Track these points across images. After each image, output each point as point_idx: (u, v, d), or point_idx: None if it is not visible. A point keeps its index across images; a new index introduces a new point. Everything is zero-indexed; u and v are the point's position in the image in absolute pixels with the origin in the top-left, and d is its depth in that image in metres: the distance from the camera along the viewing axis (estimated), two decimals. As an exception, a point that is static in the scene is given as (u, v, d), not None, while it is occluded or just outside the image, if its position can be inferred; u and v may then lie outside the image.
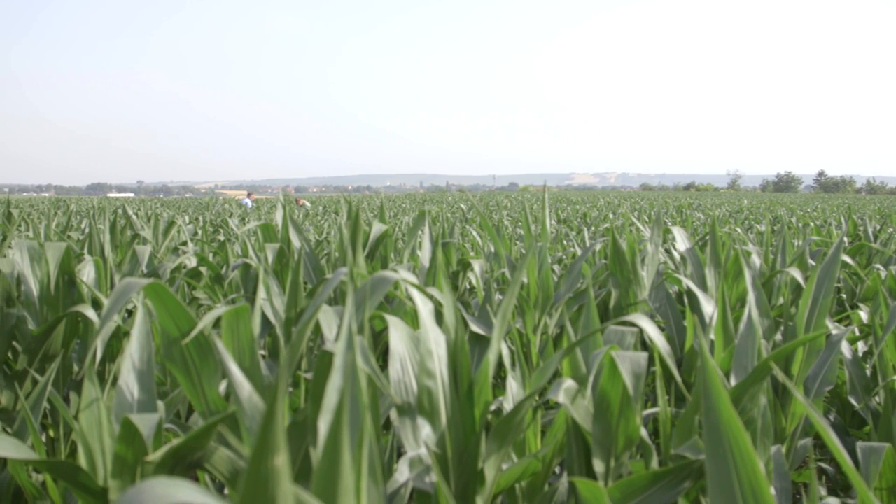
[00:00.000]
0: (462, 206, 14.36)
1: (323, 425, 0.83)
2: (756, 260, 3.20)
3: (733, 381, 1.70)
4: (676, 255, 3.86)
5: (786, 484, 1.75)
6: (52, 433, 2.33)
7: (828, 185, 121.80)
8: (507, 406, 1.76)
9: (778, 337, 2.42)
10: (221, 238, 5.56)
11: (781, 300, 3.03)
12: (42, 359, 2.24)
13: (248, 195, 25.95)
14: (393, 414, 1.95)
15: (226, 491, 1.67)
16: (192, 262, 3.58)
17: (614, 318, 2.64)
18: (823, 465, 2.53)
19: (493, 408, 1.67)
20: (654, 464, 1.57)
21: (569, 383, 1.49)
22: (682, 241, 3.16)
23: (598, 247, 3.15)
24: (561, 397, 1.45)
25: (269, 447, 0.57)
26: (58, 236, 4.24)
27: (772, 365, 1.38)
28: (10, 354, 2.34)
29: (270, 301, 2.28)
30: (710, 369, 0.88)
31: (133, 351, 1.40)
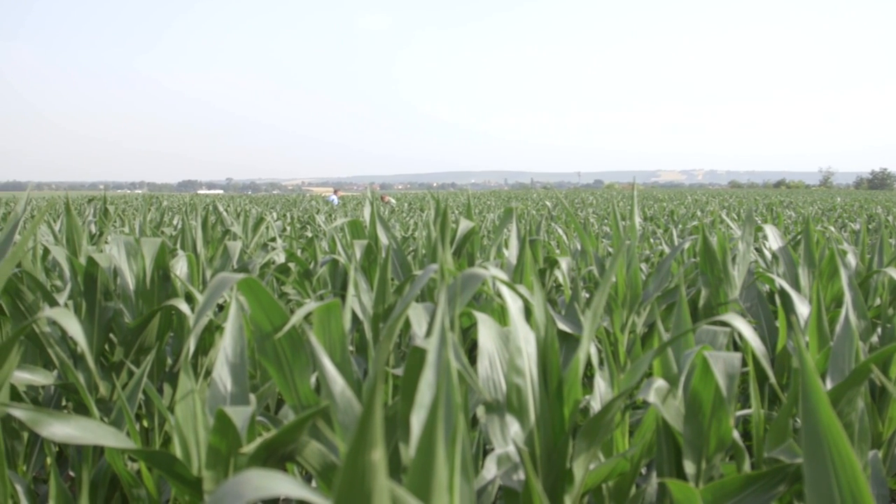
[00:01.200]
0: (547, 203, 14.29)
1: (416, 421, 0.83)
2: (852, 259, 3.11)
3: (829, 384, 1.66)
4: (767, 254, 3.78)
5: (883, 490, 1.70)
6: (146, 423, 2.38)
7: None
8: (595, 405, 1.74)
9: (874, 339, 2.35)
10: (309, 234, 5.64)
11: (878, 301, 2.94)
12: (137, 351, 2.29)
13: (335, 192, 26.24)
14: (480, 411, 1.96)
15: (313, 483, 1.69)
16: (280, 258, 3.64)
17: (703, 317, 2.59)
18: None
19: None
20: (747, 467, 1.54)
21: (660, 383, 1.47)
22: (774, 240, 3.09)
23: (686, 245, 3.10)
24: (652, 397, 1.44)
25: (366, 442, 0.57)
26: (151, 232, 4.35)
27: (872, 367, 1.34)
28: (107, 346, 2.40)
29: (358, 297, 2.30)
30: (809, 371, 0.86)
31: (227, 345, 1.42)
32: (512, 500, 1.33)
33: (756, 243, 4.30)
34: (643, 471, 2.03)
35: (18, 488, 1.85)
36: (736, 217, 11.41)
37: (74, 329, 1.46)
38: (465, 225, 2.92)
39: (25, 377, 1.99)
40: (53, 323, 2.16)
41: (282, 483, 0.70)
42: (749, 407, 2.54)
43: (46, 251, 3.12)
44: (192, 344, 2.28)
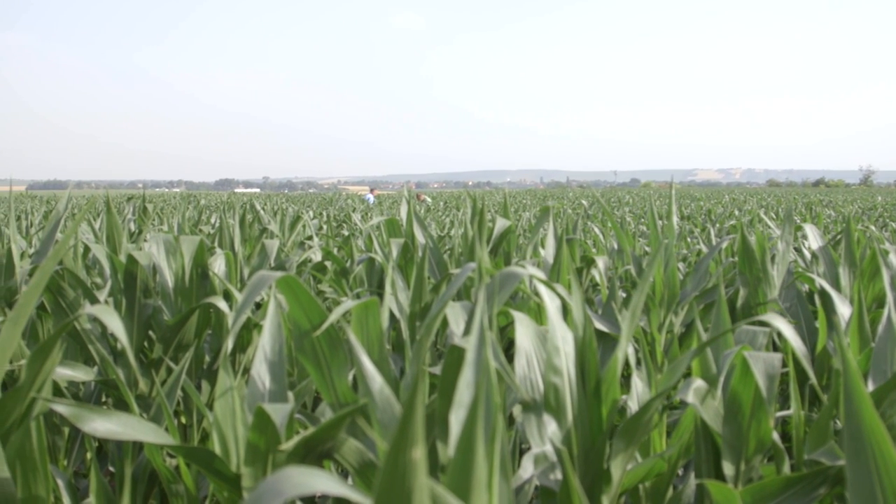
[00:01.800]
0: (583, 202, 14.25)
1: (454, 420, 0.83)
2: (894, 259, 3.07)
3: (871, 386, 1.64)
4: (807, 254, 3.74)
5: (925, 495, 1.67)
6: (184, 420, 2.41)
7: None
8: (632, 405, 1.74)
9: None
10: (345, 233, 5.66)
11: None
12: (176, 348, 2.32)
13: (371, 191, 26.33)
14: (516, 410, 1.95)
15: (349, 481, 1.70)
16: (317, 257, 3.65)
17: (741, 317, 2.57)
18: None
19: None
20: (786, 468, 1.53)
21: (699, 383, 1.46)
22: (814, 239, 3.06)
23: (724, 244, 3.07)
24: (690, 397, 1.43)
25: (407, 440, 0.57)
26: (189, 230, 4.38)
27: (916, 369, 1.33)
28: (146, 343, 2.43)
29: (395, 295, 2.30)
30: (852, 372, 0.85)
31: (265, 342, 1.43)
32: (549, 499, 1.33)
33: (795, 243, 4.26)
34: (680, 472, 2.02)
35: (60, 482, 1.87)
36: (774, 216, 11.31)
37: (116, 326, 1.48)
38: (501, 223, 2.92)
39: (67, 373, 2.02)
40: (94, 320, 2.19)
41: (321, 480, 0.70)
42: (786, 408, 2.51)
43: (87, 249, 3.16)
44: (230, 341, 2.30)
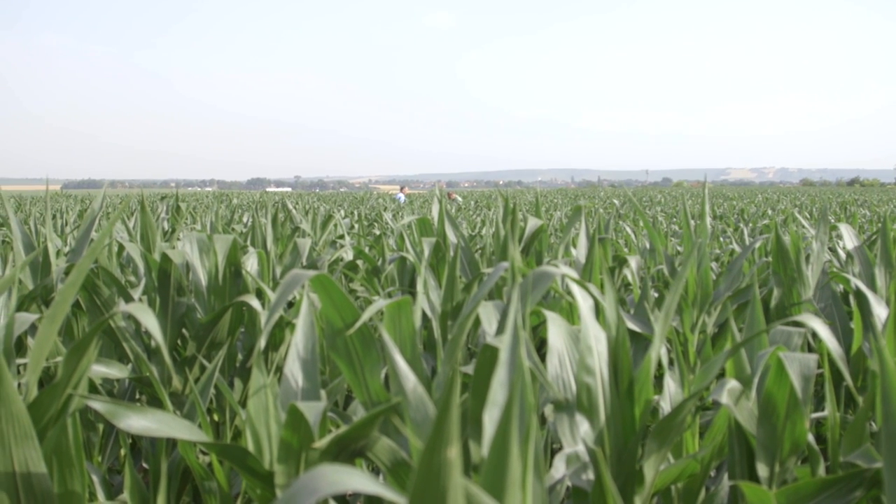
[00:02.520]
0: (615, 201, 14.18)
1: (488, 419, 0.83)
2: (931, 260, 3.03)
3: (908, 388, 1.62)
4: (841, 254, 3.70)
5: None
6: (217, 417, 2.42)
7: None
8: (665, 405, 1.73)
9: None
10: (376, 232, 5.67)
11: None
12: (209, 346, 2.33)
13: (402, 190, 26.35)
14: (547, 410, 1.95)
15: (381, 479, 1.70)
16: (349, 255, 3.66)
17: (775, 317, 2.55)
18: None
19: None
20: (821, 471, 1.51)
21: (732, 384, 1.45)
22: (849, 239, 3.02)
23: (758, 244, 3.05)
24: (724, 398, 1.42)
25: (443, 439, 0.57)
26: (222, 229, 4.41)
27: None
28: (179, 341, 2.45)
29: (427, 294, 2.30)
30: (889, 373, 0.84)
31: (298, 340, 1.44)
32: (581, 499, 1.32)
33: (830, 243, 4.22)
34: (712, 473, 2.01)
35: (94, 478, 1.89)
36: (808, 216, 11.20)
37: (151, 324, 1.49)
38: (533, 223, 2.91)
39: (101, 370, 2.04)
40: (128, 317, 2.21)
41: (356, 479, 0.70)
42: (821, 409, 2.49)
43: (121, 247, 3.19)
44: (263, 340, 2.31)
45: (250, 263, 2.83)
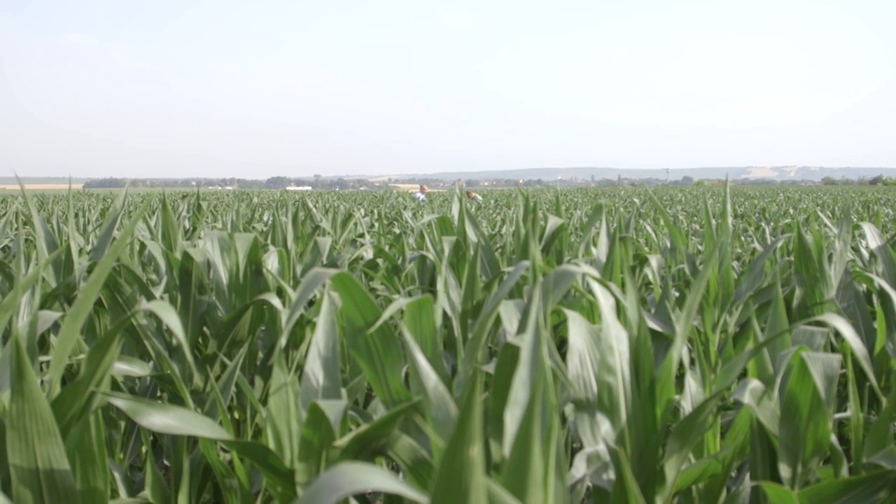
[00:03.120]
0: (635, 200, 14.14)
1: (510, 418, 0.83)
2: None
3: (932, 388, 1.61)
4: (864, 253, 3.68)
5: None
6: (237, 415, 2.43)
7: None
8: (686, 405, 1.72)
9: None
10: (396, 231, 5.68)
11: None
12: (230, 344, 2.34)
13: (421, 189, 26.38)
14: (568, 409, 1.94)
15: (401, 477, 1.70)
16: (369, 254, 3.67)
17: (798, 317, 2.53)
18: None
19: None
20: (844, 472, 1.50)
21: (755, 384, 1.45)
22: (872, 238, 3.00)
23: (780, 243, 3.03)
24: (746, 398, 1.41)
25: (465, 438, 0.57)
26: (243, 227, 4.43)
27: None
28: (200, 339, 2.46)
29: (447, 293, 2.30)
30: (916, 374, 0.83)
31: (319, 339, 1.44)
32: (602, 499, 1.32)
33: (853, 242, 4.19)
34: (733, 473, 2.00)
35: (116, 475, 1.90)
36: (830, 214, 11.13)
37: (173, 321, 1.50)
38: (553, 222, 2.91)
39: (123, 368, 2.05)
40: (150, 315, 2.22)
41: (377, 477, 0.70)
42: (843, 409, 2.47)
43: (143, 246, 3.20)
44: (284, 338, 2.32)
45: (271, 262, 2.83)
